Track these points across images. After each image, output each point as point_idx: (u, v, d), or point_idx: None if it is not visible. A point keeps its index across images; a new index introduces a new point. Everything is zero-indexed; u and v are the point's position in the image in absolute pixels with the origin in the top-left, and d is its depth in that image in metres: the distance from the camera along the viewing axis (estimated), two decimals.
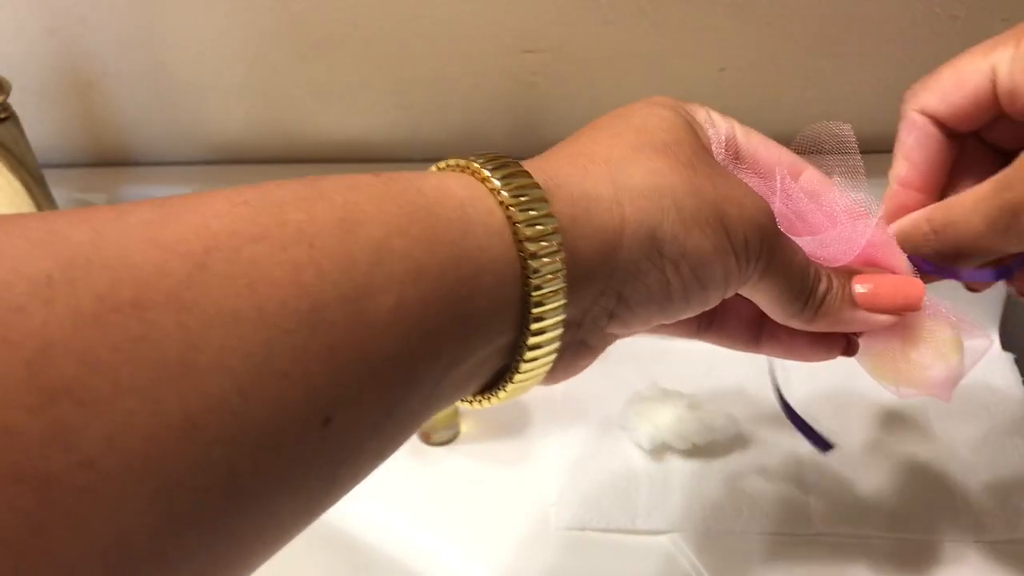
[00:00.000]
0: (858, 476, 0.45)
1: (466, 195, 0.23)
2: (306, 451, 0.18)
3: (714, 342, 0.34)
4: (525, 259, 0.23)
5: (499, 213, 0.23)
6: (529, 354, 0.24)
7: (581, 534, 0.43)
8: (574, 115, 0.53)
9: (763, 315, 0.31)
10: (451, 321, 0.21)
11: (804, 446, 0.46)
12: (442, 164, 0.25)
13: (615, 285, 0.25)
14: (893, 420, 0.48)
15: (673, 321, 0.28)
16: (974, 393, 0.49)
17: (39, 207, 0.45)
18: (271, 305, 0.18)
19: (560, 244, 0.23)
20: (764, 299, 0.29)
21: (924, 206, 0.35)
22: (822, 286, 0.30)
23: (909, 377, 0.34)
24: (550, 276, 0.23)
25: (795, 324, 0.31)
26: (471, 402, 0.26)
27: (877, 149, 0.55)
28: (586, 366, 0.28)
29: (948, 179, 0.37)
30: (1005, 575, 0.41)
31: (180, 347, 0.16)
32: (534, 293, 0.23)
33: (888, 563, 0.41)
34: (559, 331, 0.24)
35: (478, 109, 0.52)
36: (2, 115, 0.43)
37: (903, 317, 0.32)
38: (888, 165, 0.54)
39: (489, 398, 0.25)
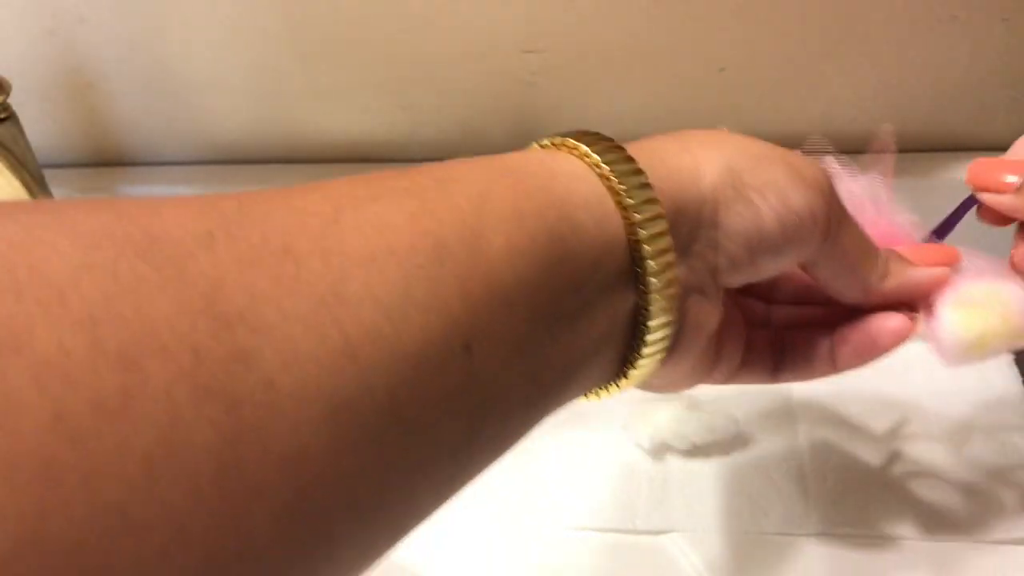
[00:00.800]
0: (858, 476, 0.45)
1: (545, 155, 0.25)
2: (453, 379, 0.20)
3: (790, 379, 0.34)
4: (615, 194, 0.24)
5: (579, 162, 0.25)
6: (654, 297, 0.25)
7: (581, 534, 0.43)
8: (574, 115, 0.53)
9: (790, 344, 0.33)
10: (561, 256, 0.23)
11: (804, 445, 0.46)
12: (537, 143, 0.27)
13: (708, 213, 0.26)
14: (893, 420, 0.48)
15: (784, 264, 0.29)
16: (974, 393, 0.49)
17: None
18: (400, 245, 0.19)
19: (646, 179, 0.24)
20: (842, 263, 0.30)
21: None
22: (883, 252, 0.32)
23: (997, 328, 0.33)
24: (644, 206, 0.24)
25: (866, 291, 0.31)
26: (611, 386, 0.27)
27: (877, 149, 0.55)
28: (713, 326, 0.28)
29: None
30: (1005, 575, 0.41)
31: (331, 281, 0.18)
32: (637, 227, 0.24)
33: (888, 563, 0.41)
34: (671, 258, 0.25)
35: (478, 109, 0.52)
36: (2, 115, 0.43)
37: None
38: (888, 166, 0.54)
39: (626, 372, 0.26)
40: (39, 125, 0.54)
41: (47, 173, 0.46)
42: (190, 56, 0.51)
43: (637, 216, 0.24)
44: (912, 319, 0.33)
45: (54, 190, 0.47)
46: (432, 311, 0.19)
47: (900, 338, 0.32)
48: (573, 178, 0.24)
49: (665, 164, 0.26)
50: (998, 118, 0.52)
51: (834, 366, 0.33)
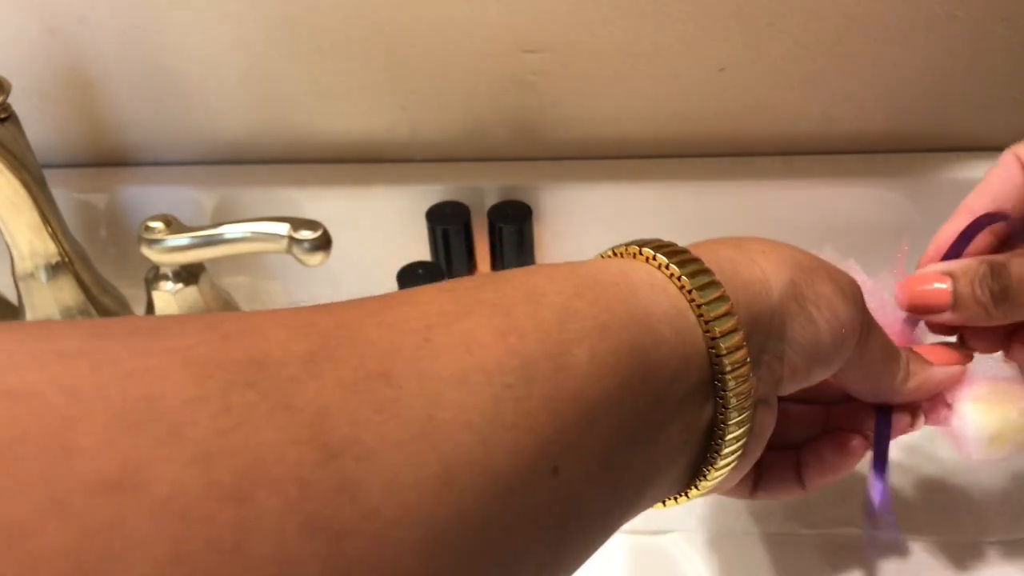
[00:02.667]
0: (858, 476, 0.45)
1: (624, 265, 0.26)
2: (541, 498, 0.20)
3: (765, 497, 0.37)
4: (695, 307, 0.25)
5: (658, 273, 0.25)
6: (732, 411, 0.26)
7: None
8: (574, 115, 0.53)
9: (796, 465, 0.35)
10: (643, 369, 0.23)
11: None
12: (609, 250, 0.28)
13: (777, 325, 0.27)
14: None
15: (828, 374, 0.30)
16: None
17: (39, 207, 0.45)
18: (490, 364, 0.20)
19: (724, 291, 0.25)
20: (870, 368, 0.32)
21: (981, 240, 0.37)
22: (903, 353, 0.34)
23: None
24: (723, 319, 0.25)
25: (892, 392, 0.34)
26: (680, 496, 0.28)
27: (877, 149, 0.55)
28: (769, 434, 0.29)
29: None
30: (1005, 575, 0.41)
31: (426, 405, 0.18)
32: (718, 341, 0.25)
33: (888, 563, 0.41)
34: (748, 371, 0.25)
35: (478, 109, 0.52)
36: (2, 115, 0.43)
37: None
38: (888, 166, 0.54)
39: (699, 482, 0.27)
40: (39, 125, 0.54)
41: (47, 173, 0.46)
42: (190, 56, 0.51)
43: (717, 329, 0.25)
44: (866, 440, 0.35)
45: (54, 190, 0.47)
46: (521, 431, 0.19)
47: (857, 459, 0.35)
48: (654, 290, 0.25)
49: (739, 276, 0.27)
50: (998, 118, 0.52)
51: (803, 487, 0.35)
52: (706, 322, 0.25)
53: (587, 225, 0.53)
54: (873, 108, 0.52)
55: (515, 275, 0.24)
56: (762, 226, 0.53)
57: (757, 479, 0.35)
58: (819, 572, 0.41)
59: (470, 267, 0.51)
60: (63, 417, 0.14)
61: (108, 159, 0.56)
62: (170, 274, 0.47)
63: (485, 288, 0.22)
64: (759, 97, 0.51)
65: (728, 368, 0.25)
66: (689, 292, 0.25)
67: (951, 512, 0.43)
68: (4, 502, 0.13)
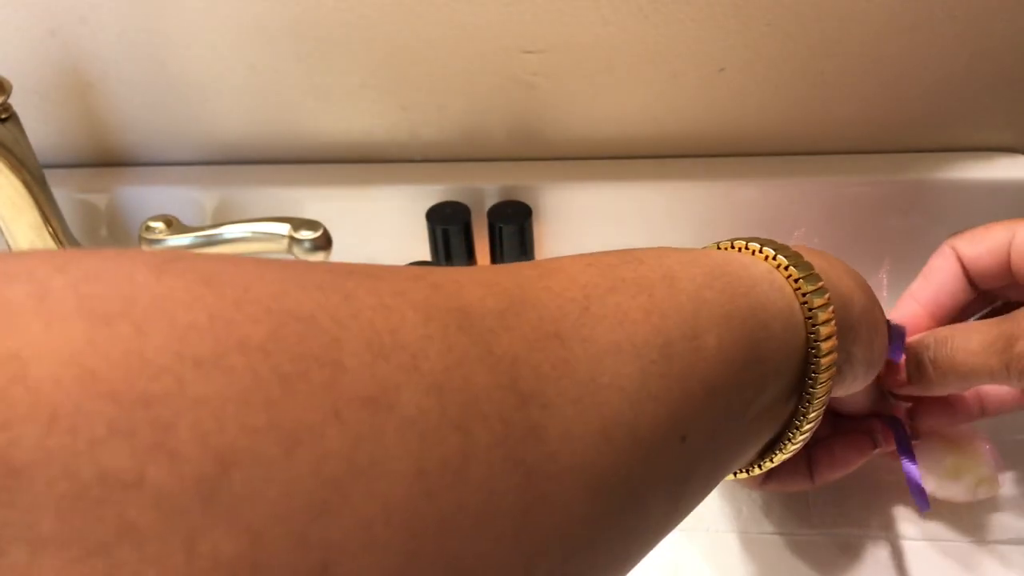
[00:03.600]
0: (858, 476, 0.45)
1: (747, 259, 0.28)
2: (671, 462, 0.22)
3: (774, 489, 0.42)
4: (805, 308, 0.28)
5: (777, 273, 0.28)
6: (815, 404, 0.29)
7: None
8: (574, 115, 0.53)
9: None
10: (755, 359, 0.26)
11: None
12: (720, 243, 0.31)
13: (850, 340, 0.30)
14: None
15: (858, 389, 0.34)
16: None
17: (40, 207, 0.45)
18: (638, 339, 0.22)
19: (828, 296, 0.28)
20: (871, 390, 0.37)
21: (922, 320, 0.41)
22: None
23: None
24: (824, 326, 0.28)
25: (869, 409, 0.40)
26: (764, 462, 0.32)
27: (876, 150, 0.55)
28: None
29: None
30: (1005, 575, 0.41)
31: (590, 368, 0.20)
32: (819, 343, 0.28)
33: (889, 563, 0.41)
34: (834, 372, 0.29)
35: (478, 109, 0.52)
36: (3, 115, 0.43)
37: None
38: (888, 166, 0.54)
39: (772, 457, 0.31)
40: (39, 125, 0.54)
41: (47, 173, 0.46)
42: (190, 56, 0.51)
43: (821, 331, 0.28)
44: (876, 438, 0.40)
45: (55, 190, 0.47)
46: (661, 403, 0.22)
47: (864, 457, 0.40)
48: (772, 287, 0.27)
49: (836, 287, 0.30)
50: (998, 118, 0.52)
51: (811, 480, 0.40)
52: (812, 325, 0.28)
53: (587, 225, 0.53)
54: (873, 108, 0.52)
55: (647, 256, 0.25)
56: (763, 226, 0.53)
57: (770, 472, 0.39)
58: (819, 572, 0.41)
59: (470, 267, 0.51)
60: (334, 338, 0.16)
61: (109, 159, 0.56)
62: None
63: (623, 267, 0.24)
64: (759, 97, 0.51)
65: (822, 368, 0.28)
66: (803, 296, 0.28)
67: (951, 512, 0.43)
68: (296, 408, 0.15)
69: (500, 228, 0.50)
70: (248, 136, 0.54)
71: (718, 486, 0.44)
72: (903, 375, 0.38)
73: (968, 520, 0.43)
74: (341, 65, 0.51)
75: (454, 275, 0.21)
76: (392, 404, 0.16)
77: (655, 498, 0.22)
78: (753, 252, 0.29)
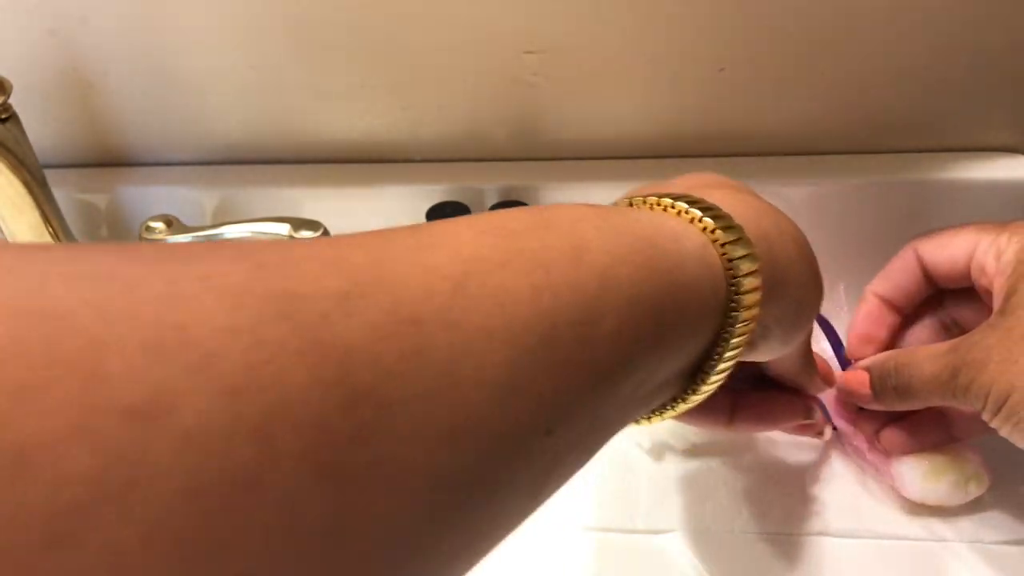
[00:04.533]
0: (859, 476, 0.45)
1: (679, 228, 0.26)
2: (532, 459, 0.20)
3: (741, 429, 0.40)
4: (732, 291, 0.26)
5: (711, 248, 0.26)
6: (719, 366, 0.27)
7: (580, 533, 0.43)
8: (574, 115, 0.53)
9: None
10: (655, 342, 0.23)
11: (804, 444, 0.46)
12: (639, 199, 0.28)
13: (769, 310, 0.28)
14: None
15: (788, 347, 0.33)
16: None
17: (40, 207, 0.45)
18: (517, 325, 0.19)
19: (761, 280, 0.26)
20: (798, 358, 0.36)
21: (886, 319, 0.44)
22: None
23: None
24: (749, 306, 0.26)
25: (803, 384, 0.39)
26: (648, 419, 0.29)
27: (876, 150, 0.55)
28: None
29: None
30: (1005, 575, 0.41)
31: (447, 361, 0.18)
32: (737, 321, 0.26)
33: (889, 564, 0.41)
34: (741, 351, 0.27)
35: (478, 109, 0.52)
36: (3, 115, 0.43)
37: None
38: (888, 166, 0.54)
39: (670, 410, 0.29)
40: (40, 125, 0.54)
41: (48, 173, 0.46)
42: (190, 56, 0.51)
43: (738, 316, 0.26)
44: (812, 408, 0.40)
45: (55, 190, 0.47)
46: (528, 396, 0.20)
47: (797, 423, 0.40)
48: (700, 263, 0.25)
49: (770, 251, 0.28)
50: (998, 118, 0.52)
51: (730, 426, 0.38)
52: (734, 306, 0.26)
53: None
54: (873, 108, 0.52)
55: (561, 219, 0.23)
56: None
57: (732, 414, 0.38)
58: (819, 572, 0.41)
59: None
60: (94, 339, 0.14)
61: (109, 159, 0.56)
62: None
63: (527, 235, 0.22)
64: (759, 97, 0.51)
65: (731, 345, 0.26)
66: (730, 263, 0.26)
67: (951, 513, 0.43)
68: (32, 423, 0.13)
69: None
70: (248, 136, 0.54)
71: (717, 483, 0.45)
72: (867, 391, 0.40)
73: (969, 521, 0.43)
74: (341, 65, 0.51)
75: (293, 251, 0.18)
76: (166, 413, 0.14)
77: (511, 495, 0.20)
78: (683, 215, 0.27)
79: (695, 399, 0.28)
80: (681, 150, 0.54)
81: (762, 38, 0.49)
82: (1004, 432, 0.35)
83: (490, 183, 0.52)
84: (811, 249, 0.32)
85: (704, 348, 0.27)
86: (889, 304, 0.44)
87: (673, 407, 0.28)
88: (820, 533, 0.42)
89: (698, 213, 0.26)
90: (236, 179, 0.54)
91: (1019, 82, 0.51)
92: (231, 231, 0.44)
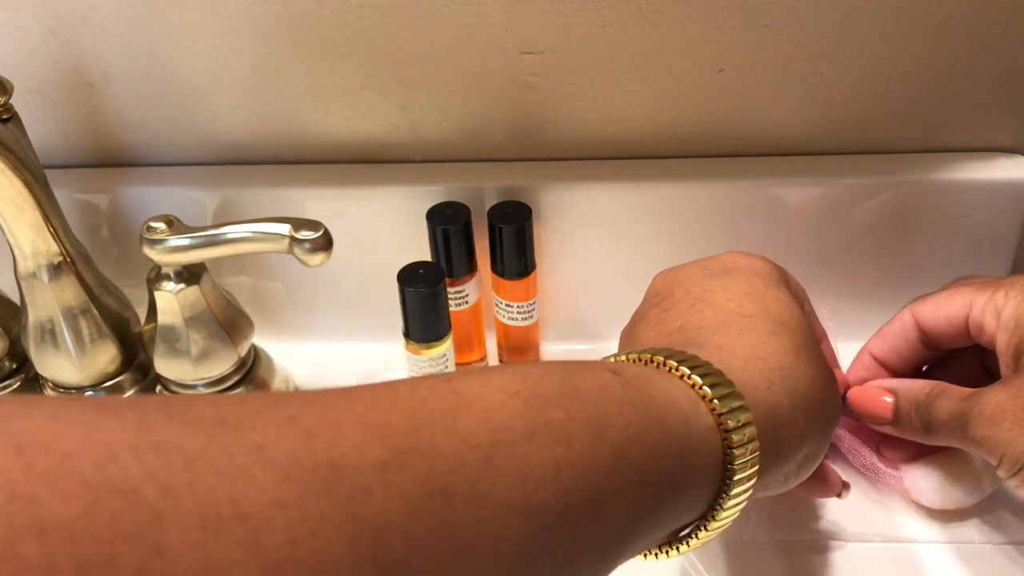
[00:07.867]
0: (859, 478, 0.45)
1: (690, 411, 0.27)
2: None
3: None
4: (728, 472, 0.27)
5: (716, 435, 0.27)
6: (712, 524, 0.28)
7: None
8: (574, 115, 0.53)
9: None
10: (655, 517, 0.25)
11: None
12: (647, 356, 0.29)
13: (766, 467, 0.29)
14: None
15: (795, 484, 0.35)
16: None
17: (41, 207, 0.45)
18: (536, 501, 0.21)
19: (756, 472, 0.28)
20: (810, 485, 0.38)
21: (879, 375, 0.44)
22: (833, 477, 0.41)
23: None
24: (744, 488, 0.28)
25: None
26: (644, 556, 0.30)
27: (876, 150, 0.55)
28: None
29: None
30: (1005, 575, 0.41)
31: (470, 533, 0.19)
32: (730, 496, 0.28)
33: (890, 565, 0.41)
34: (737, 512, 0.29)
35: (478, 110, 0.53)
36: (4, 116, 0.43)
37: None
38: (887, 166, 0.54)
39: (672, 550, 0.30)
40: (41, 125, 0.54)
41: (49, 173, 0.46)
42: (191, 57, 0.51)
43: (731, 486, 0.27)
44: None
45: (56, 190, 0.47)
46: (541, 569, 0.21)
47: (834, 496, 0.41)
48: (706, 452, 0.27)
49: (776, 442, 0.29)
50: (997, 118, 0.52)
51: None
52: (728, 477, 0.27)
53: (587, 225, 0.53)
54: (872, 108, 0.52)
55: (588, 387, 0.24)
56: (762, 226, 0.53)
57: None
58: (819, 574, 0.41)
59: (470, 267, 0.51)
60: (157, 516, 0.15)
61: (110, 159, 0.56)
62: (172, 274, 0.47)
63: (554, 403, 0.23)
64: (759, 97, 0.51)
65: (728, 505, 0.28)
66: (726, 434, 0.27)
67: (952, 514, 0.43)
68: None
69: (500, 228, 0.50)
70: (249, 136, 0.54)
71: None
72: (887, 415, 0.41)
73: (970, 522, 0.43)
74: (341, 65, 0.51)
75: (336, 416, 0.19)
76: None
77: None
78: (693, 386, 0.28)
79: (685, 550, 0.29)
80: (681, 150, 0.54)
81: (762, 38, 0.49)
82: (1023, 492, 0.37)
83: (490, 183, 0.52)
84: (829, 401, 0.33)
85: (703, 512, 0.28)
86: (884, 365, 0.44)
87: (677, 549, 0.30)
88: (821, 536, 0.42)
89: (709, 392, 0.27)
90: (237, 179, 0.54)
91: (1019, 82, 0.51)
92: (232, 231, 0.44)
